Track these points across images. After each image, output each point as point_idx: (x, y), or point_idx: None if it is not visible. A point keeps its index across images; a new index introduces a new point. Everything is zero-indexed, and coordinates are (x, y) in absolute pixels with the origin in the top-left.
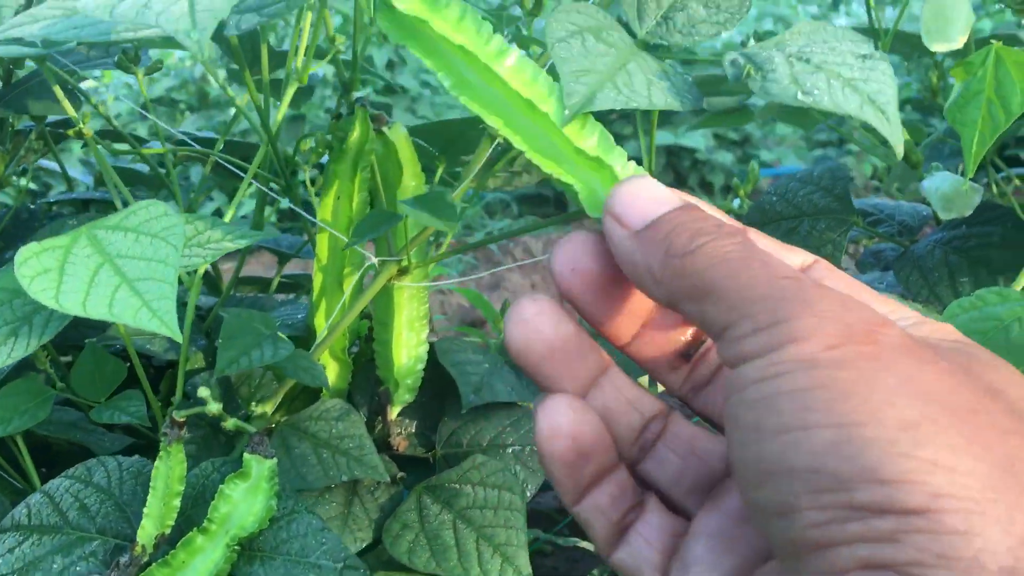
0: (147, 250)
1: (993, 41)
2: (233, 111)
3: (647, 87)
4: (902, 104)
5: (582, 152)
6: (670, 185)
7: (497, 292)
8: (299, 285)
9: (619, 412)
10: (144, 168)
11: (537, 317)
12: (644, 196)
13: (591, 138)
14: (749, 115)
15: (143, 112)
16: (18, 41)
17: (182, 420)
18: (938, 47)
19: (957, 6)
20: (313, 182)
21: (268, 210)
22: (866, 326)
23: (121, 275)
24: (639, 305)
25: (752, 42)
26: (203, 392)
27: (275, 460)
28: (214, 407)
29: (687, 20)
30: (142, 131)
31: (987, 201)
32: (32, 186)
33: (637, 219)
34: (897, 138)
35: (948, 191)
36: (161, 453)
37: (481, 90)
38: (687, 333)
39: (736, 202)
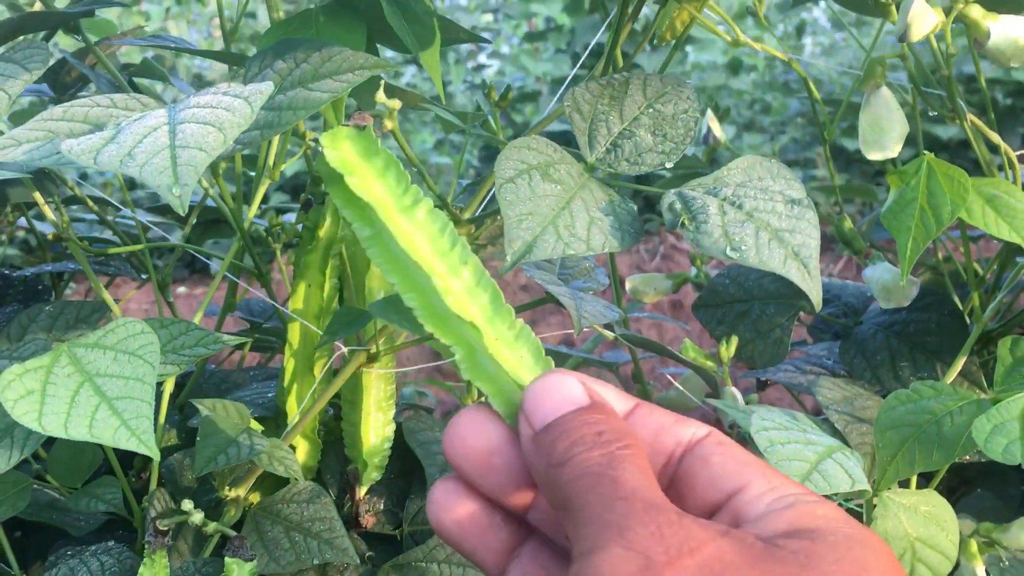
0: (125, 368)
1: (925, 153)
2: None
3: (588, 228)
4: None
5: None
6: (642, 212)
7: None
8: (271, 346)
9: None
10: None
11: (446, 497)
12: (554, 395)
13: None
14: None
15: (119, 207)
16: None
17: (165, 528)
18: (874, 156)
19: (892, 117)
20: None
21: None
22: (667, 558)
23: (101, 394)
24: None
25: (708, 116)
26: (187, 505)
27: (255, 562)
28: (197, 517)
29: (634, 148)
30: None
31: (925, 288)
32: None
33: (539, 420)
34: (816, 294)
35: (888, 283)
36: (145, 560)
37: (395, 251)
38: None
39: (693, 271)
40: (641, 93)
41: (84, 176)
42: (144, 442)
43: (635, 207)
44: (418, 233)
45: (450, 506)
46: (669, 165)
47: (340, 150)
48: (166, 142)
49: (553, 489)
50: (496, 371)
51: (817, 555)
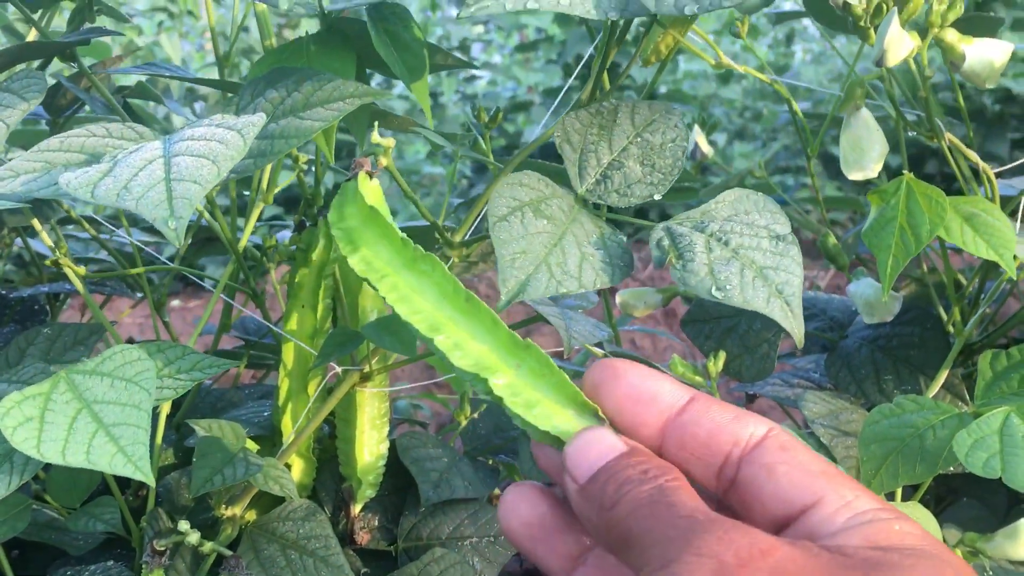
0: (122, 395)
1: (905, 172)
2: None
3: (579, 265)
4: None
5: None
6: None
7: None
8: (266, 363)
9: None
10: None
11: (517, 502)
12: (593, 448)
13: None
14: (695, 193)
15: (114, 228)
16: None
17: (162, 549)
18: (855, 175)
19: (872, 138)
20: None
21: None
22: (738, 562)
23: (98, 421)
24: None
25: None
26: (183, 526)
27: None
28: (194, 538)
29: (624, 180)
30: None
31: (909, 302)
32: None
33: (583, 473)
34: (798, 332)
35: (871, 298)
36: None
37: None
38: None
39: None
40: (630, 122)
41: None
42: (140, 468)
43: (624, 238)
44: (419, 288)
45: (521, 510)
46: (658, 197)
47: (344, 223)
48: (161, 175)
49: (609, 531)
50: (524, 413)
51: (889, 563)
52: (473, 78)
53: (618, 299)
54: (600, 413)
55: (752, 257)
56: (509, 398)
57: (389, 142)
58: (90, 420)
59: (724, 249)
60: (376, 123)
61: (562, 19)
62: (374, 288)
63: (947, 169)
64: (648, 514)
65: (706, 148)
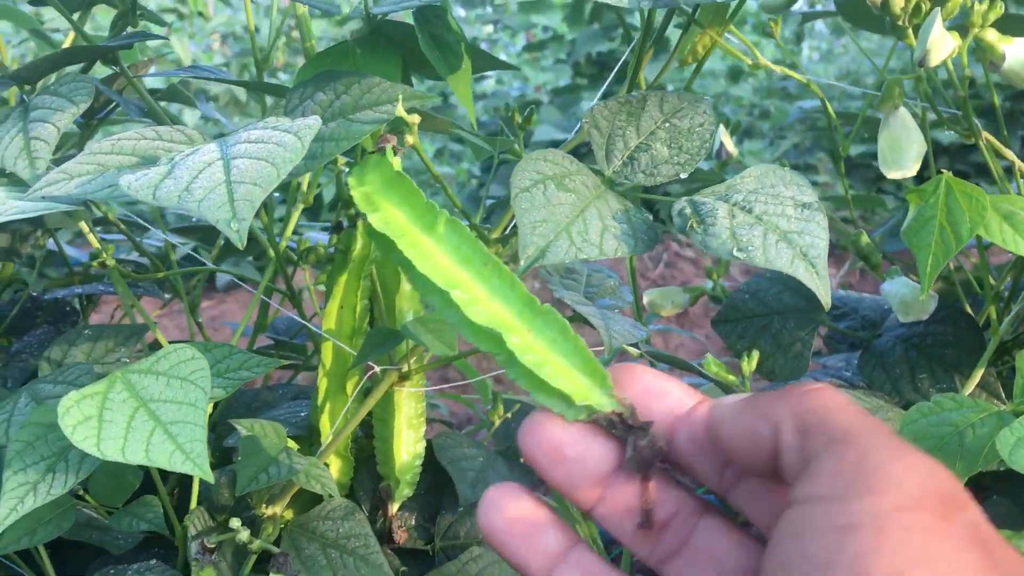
0: (178, 393)
1: (943, 171)
2: None
3: (600, 234)
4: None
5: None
6: None
7: None
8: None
9: None
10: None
11: (499, 498)
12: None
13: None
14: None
15: (148, 226)
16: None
17: (212, 546)
18: (894, 174)
19: (910, 136)
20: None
21: None
22: (942, 499)
23: (155, 419)
24: (595, 471)
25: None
26: (234, 522)
27: None
28: (243, 535)
29: (650, 160)
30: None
31: (943, 301)
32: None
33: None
34: (824, 293)
35: (906, 297)
36: None
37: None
38: (642, 499)
39: (709, 284)
40: (658, 109)
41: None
42: (199, 465)
43: (650, 216)
44: (439, 250)
45: (503, 506)
46: (684, 176)
47: (363, 188)
48: (222, 177)
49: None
50: (538, 377)
51: None
52: (482, 77)
53: (645, 299)
54: (609, 381)
55: (776, 223)
56: (521, 354)
57: (414, 118)
58: (147, 418)
59: (747, 215)
60: (400, 96)
61: (571, 18)
62: (392, 246)
63: (958, 166)
64: (841, 413)
65: (731, 148)
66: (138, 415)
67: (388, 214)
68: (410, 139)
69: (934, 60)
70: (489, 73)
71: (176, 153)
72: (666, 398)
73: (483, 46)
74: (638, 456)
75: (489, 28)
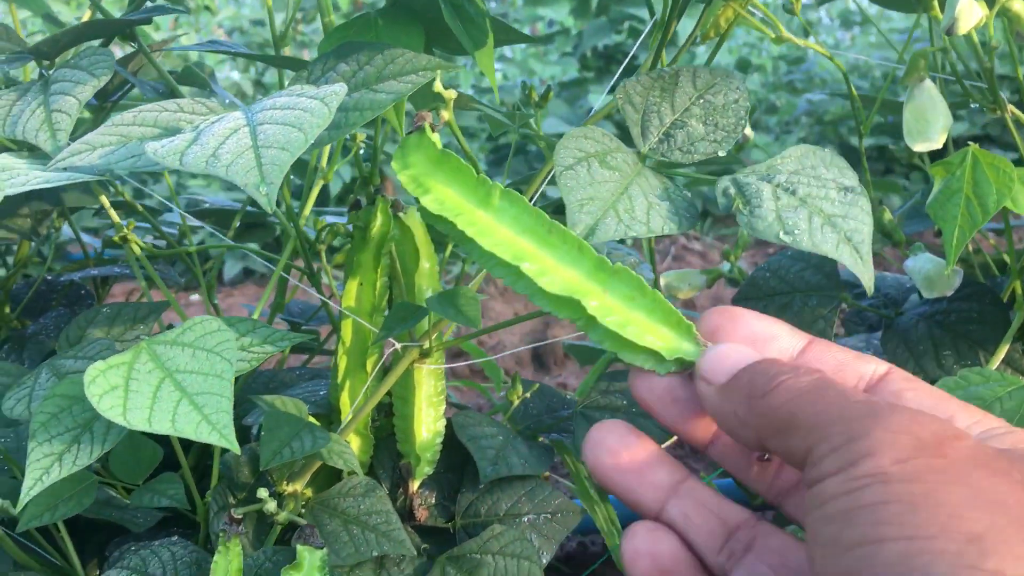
0: (204, 365)
1: (970, 143)
2: None
3: (647, 212)
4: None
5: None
6: None
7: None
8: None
9: (700, 521)
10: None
11: (605, 437)
12: (731, 356)
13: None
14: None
15: (171, 207)
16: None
17: (239, 517)
18: (920, 147)
19: (936, 108)
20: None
21: None
22: (936, 438)
23: (181, 389)
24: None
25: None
26: (262, 492)
27: (325, 550)
28: (271, 505)
29: (687, 138)
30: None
31: (967, 278)
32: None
33: (722, 374)
34: (868, 278)
35: (931, 273)
36: (220, 547)
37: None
38: None
39: (726, 266)
40: (691, 85)
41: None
42: (225, 436)
43: (688, 194)
44: (499, 223)
45: (609, 442)
46: (722, 153)
47: (410, 170)
48: (249, 143)
49: (762, 418)
50: (623, 337)
51: None
52: None
53: (662, 281)
54: (694, 330)
55: (820, 206)
56: (603, 317)
57: (451, 93)
58: (173, 389)
59: (791, 198)
60: (438, 74)
61: (578, 11)
62: (452, 226)
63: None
64: (815, 398)
65: (748, 131)
66: (164, 385)
67: (440, 194)
68: (445, 115)
69: (962, 28)
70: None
71: (202, 121)
72: (774, 343)
73: None
74: None
75: None
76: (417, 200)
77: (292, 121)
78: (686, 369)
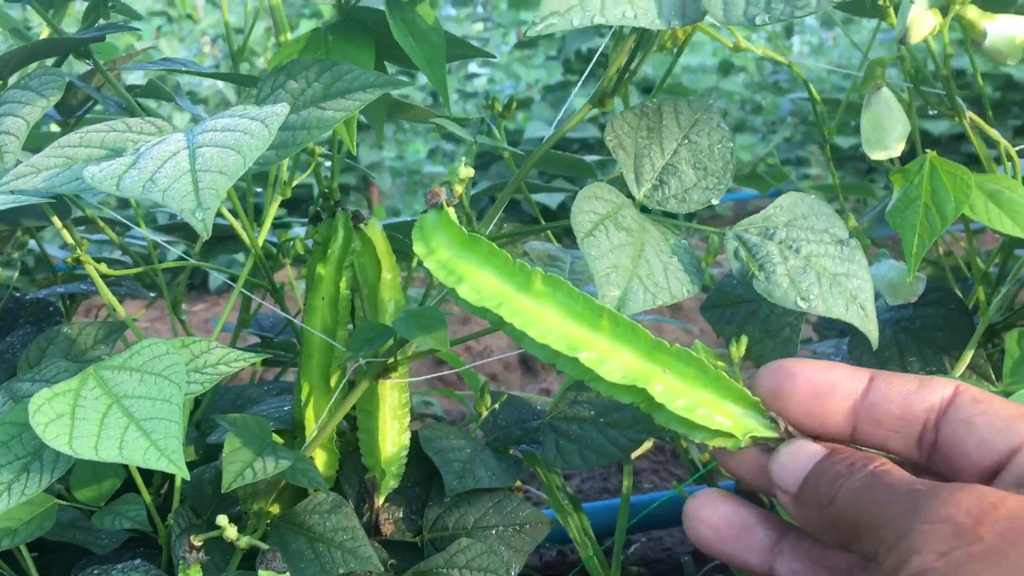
0: (152, 389)
1: (927, 151)
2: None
3: (664, 275)
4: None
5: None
6: None
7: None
8: (283, 360)
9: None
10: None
11: (700, 511)
12: (797, 458)
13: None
14: None
15: (130, 225)
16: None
17: (200, 544)
18: (877, 155)
19: (893, 117)
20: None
21: None
22: (973, 519)
23: (129, 416)
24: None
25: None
26: (221, 519)
27: (287, 575)
28: (231, 532)
29: (680, 185)
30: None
31: (932, 283)
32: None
33: (793, 483)
34: (874, 335)
35: (894, 280)
36: (180, 574)
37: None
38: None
39: None
40: (675, 123)
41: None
42: (174, 462)
43: (686, 242)
44: (545, 310)
45: (705, 516)
46: (715, 202)
47: (436, 255)
48: (187, 166)
49: (834, 527)
50: (693, 421)
51: None
52: (473, 76)
53: None
54: (760, 404)
55: (824, 264)
56: (670, 403)
57: (468, 172)
58: (121, 415)
59: (797, 258)
60: (464, 158)
61: None
62: (495, 317)
63: (949, 157)
64: (868, 499)
65: None
66: (111, 412)
67: (477, 282)
68: (459, 189)
69: (915, 37)
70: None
71: (144, 144)
72: (835, 392)
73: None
74: None
75: (479, 26)
76: (452, 291)
77: (231, 144)
78: (758, 443)
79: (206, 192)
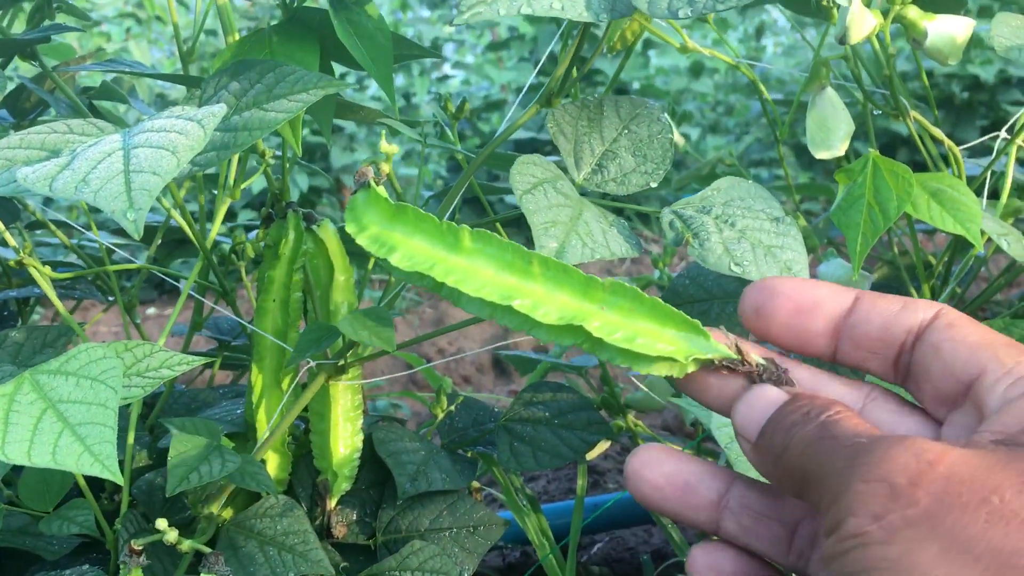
0: (88, 394)
1: (871, 150)
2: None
3: (604, 236)
4: None
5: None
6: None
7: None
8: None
9: (759, 529)
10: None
11: (641, 469)
12: (756, 406)
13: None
14: (667, 183)
15: (83, 231)
16: None
17: (139, 548)
18: (822, 155)
19: (837, 116)
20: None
21: None
22: (909, 479)
23: (63, 420)
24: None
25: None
26: (161, 523)
27: None
28: (172, 536)
29: (619, 169)
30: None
31: (883, 283)
32: None
33: (754, 431)
34: None
35: (842, 278)
36: None
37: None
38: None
39: (656, 274)
40: (616, 115)
41: (48, 200)
42: (108, 467)
43: (626, 223)
44: (476, 265)
45: (647, 474)
46: (653, 184)
47: (368, 231)
48: (120, 167)
49: (788, 477)
50: (634, 351)
51: None
52: (446, 77)
53: None
54: (700, 326)
55: (759, 237)
56: (609, 336)
57: (392, 149)
58: (55, 420)
59: (732, 230)
60: (384, 131)
61: (533, 17)
62: (430, 280)
63: (918, 157)
64: (816, 450)
65: (678, 138)
66: (46, 417)
67: (408, 249)
68: (386, 168)
69: (854, 38)
70: (454, 73)
71: (81, 145)
72: (820, 310)
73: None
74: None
75: (452, 28)
76: (385, 261)
77: (166, 144)
78: (710, 367)
79: (138, 193)
